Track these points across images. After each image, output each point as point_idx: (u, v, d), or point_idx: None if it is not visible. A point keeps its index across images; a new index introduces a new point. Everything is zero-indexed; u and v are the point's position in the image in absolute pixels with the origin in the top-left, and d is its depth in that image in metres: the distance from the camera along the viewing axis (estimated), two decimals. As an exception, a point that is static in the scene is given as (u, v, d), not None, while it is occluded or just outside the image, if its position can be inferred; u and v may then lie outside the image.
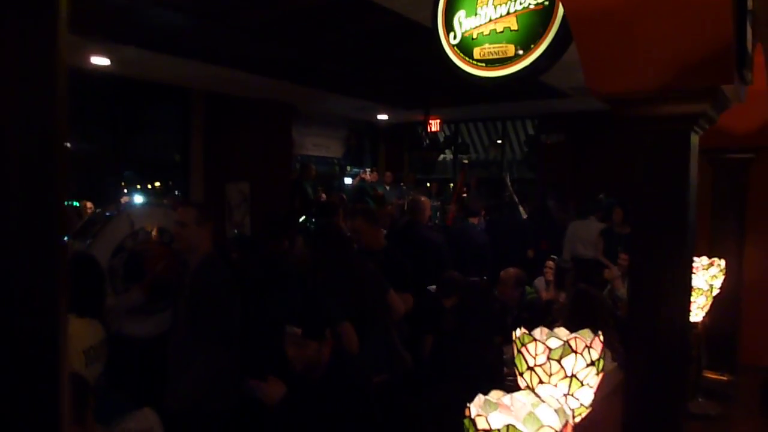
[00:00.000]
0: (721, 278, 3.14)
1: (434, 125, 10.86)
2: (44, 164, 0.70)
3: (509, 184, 9.92)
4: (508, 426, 1.15)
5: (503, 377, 3.77)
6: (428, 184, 12.61)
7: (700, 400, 3.23)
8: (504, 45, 2.20)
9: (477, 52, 2.26)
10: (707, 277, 2.98)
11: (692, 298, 2.60)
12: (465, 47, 2.30)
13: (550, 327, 1.67)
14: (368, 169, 11.27)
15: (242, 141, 9.03)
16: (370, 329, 3.51)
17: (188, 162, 8.91)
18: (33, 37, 0.68)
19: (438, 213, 9.79)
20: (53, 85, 0.71)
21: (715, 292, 3.04)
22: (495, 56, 2.21)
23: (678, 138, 1.72)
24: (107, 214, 4.48)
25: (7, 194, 0.67)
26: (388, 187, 10.89)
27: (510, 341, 1.68)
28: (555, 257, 6.70)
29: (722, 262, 3.18)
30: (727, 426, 3.12)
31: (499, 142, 13.12)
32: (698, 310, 2.84)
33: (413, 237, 5.34)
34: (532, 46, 2.19)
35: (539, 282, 6.10)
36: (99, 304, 3.21)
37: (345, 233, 4.14)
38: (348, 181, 12.14)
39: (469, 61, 2.30)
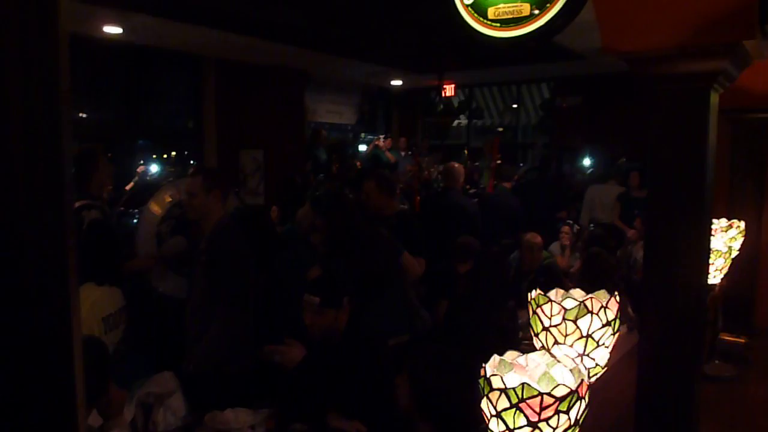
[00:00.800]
0: (740, 240, 3.10)
1: (449, 90, 10.68)
2: (48, 129, 0.70)
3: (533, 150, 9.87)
4: (522, 385, 1.15)
5: (519, 341, 3.80)
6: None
7: (716, 362, 3.23)
8: (519, 4, 2.14)
9: (491, 12, 2.20)
10: (726, 239, 2.95)
11: (710, 260, 2.57)
12: (479, 7, 2.24)
13: (566, 289, 1.67)
14: (382, 136, 11.17)
15: (255, 108, 8.99)
16: (385, 291, 3.53)
17: (201, 130, 8.89)
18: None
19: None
20: (54, 50, 0.70)
21: (734, 254, 3.00)
22: (510, 15, 2.15)
23: (697, 96, 1.68)
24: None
25: (11, 162, 0.67)
26: (403, 154, 10.81)
27: (525, 306, 1.68)
28: (570, 222, 6.68)
29: (741, 224, 3.14)
30: (743, 388, 3.13)
31: (515, 106, 12.94)
32: (716, 273, 2.81)
33: (447, 204, 5.35)
34: (548, 5, 2.12)
35: (554, 247, 6.10)
36: (117, 271, 3.26)
37: (351, 199, 4.13)
38: (362, 147, 12.06)
39: (483, 22, 2.24)
